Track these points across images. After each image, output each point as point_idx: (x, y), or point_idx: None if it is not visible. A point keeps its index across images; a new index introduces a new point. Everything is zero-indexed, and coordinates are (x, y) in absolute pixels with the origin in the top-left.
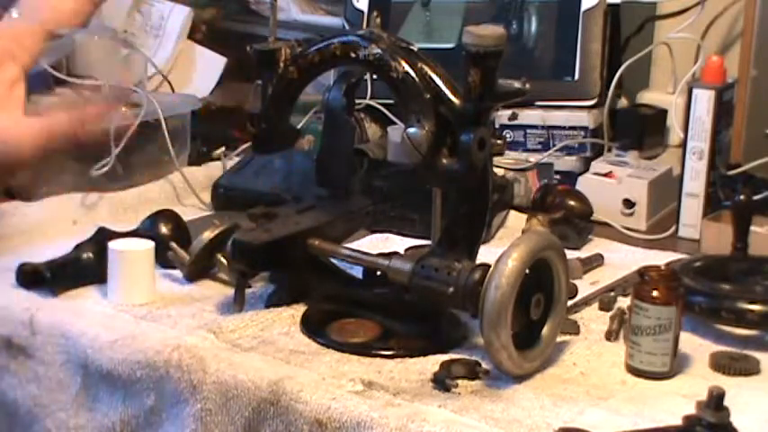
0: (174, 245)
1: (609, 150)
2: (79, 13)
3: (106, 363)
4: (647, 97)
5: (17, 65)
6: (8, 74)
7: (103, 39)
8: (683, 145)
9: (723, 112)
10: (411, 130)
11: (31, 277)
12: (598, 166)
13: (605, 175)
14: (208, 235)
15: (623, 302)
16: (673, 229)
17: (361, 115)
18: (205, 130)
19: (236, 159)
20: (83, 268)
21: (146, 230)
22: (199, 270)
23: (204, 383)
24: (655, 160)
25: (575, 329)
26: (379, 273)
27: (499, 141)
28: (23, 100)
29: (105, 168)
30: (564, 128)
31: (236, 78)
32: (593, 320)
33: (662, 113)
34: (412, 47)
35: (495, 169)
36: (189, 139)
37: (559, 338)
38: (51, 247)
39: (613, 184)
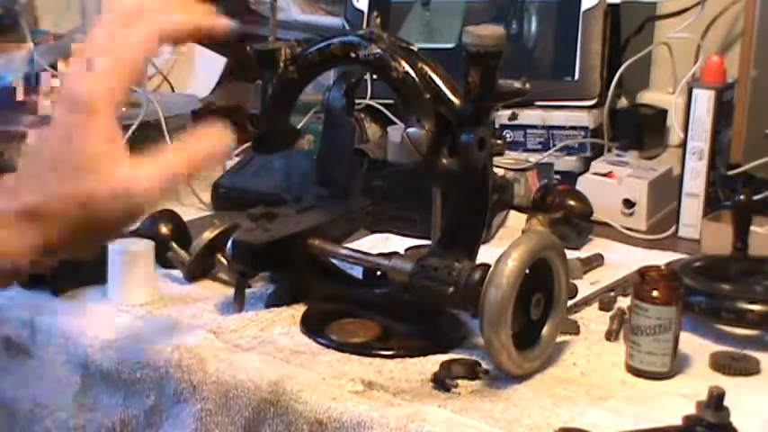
0: (174, 245)
1: (609, 150)
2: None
3: (106, 362)
4: (647, 97)
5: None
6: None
7: None
8: (683, 145)
9: (723, 112)
10: (411, 130)
11: (31, 277)
12: (598, 166)
13: (605, 175)
14: (208, 235)
15: (623, 302)
16: (673, 229)
17: (361, 115)
18: None
19: (236, 159)
20: (83, 268)
21: (146, 230)
22: (199, 270)
23: (204, 383)
24: (655, 160)
25: (575, 329)
26: (379, 273)
27: (499, 141)
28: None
29: None
30: (564, 128)
31: (236, 78)
32: (593, 320)
33: (662, 113)
34: (412, 47)
35: (495, 169)
36: None
37: (559, 338)
38: None
39: (613, 184)
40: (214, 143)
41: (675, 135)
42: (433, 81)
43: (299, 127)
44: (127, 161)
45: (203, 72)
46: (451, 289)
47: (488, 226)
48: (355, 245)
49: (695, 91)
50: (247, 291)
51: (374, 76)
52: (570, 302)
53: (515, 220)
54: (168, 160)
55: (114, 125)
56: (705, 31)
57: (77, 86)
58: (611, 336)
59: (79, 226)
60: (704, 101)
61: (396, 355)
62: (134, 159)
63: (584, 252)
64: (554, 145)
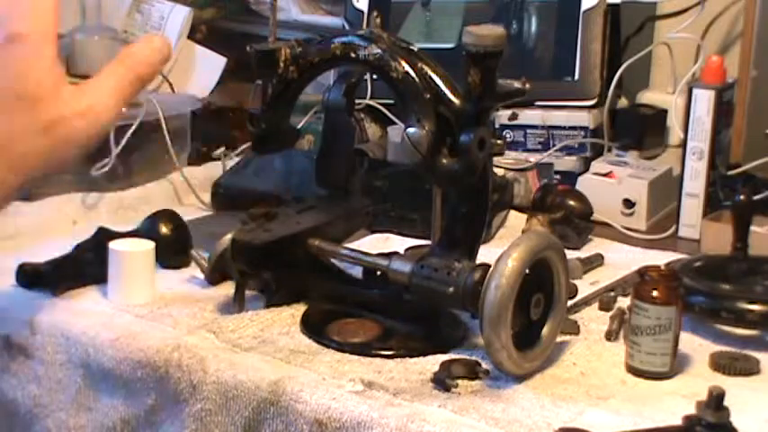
0: (194, 252)
1: (609, 150)
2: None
3: (107, 362)
4: (647, 97)
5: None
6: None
7: (103, 39)
8: (683, 145)
9: (723, 112)
10: (411, 130)
11: (31, 277)
12: (598, 166)
13: (605, 175)
14: (228, 238)
15: (623, 302)
16: (673, 229)
17: (361, 115)
18: (205, 130)
19: (236, 159)
20: (83, 268)
21: (146, 230)
22: (220, 273)
23: (204, 383)
24: (655, 160)
25: (575, 329)
26: (379, 273)
27: (499, 141)
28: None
29: (105, 168)
30: (564, 128)
31: (236, 78)
32: (593, 320)
33: (662, 113)
34: (412, 47)
35: (495, 169)
36: (189, 139)
37: (559, 338)
38: (51, 247)
39: (613, 184)
40: (153, 46)
41: (675, 135)
42: (433, 81)
43: (299, 127)
44: (70, 86)
45: (203, 72)
46: (451, 289)
47: (488, 226)
48: (355, 245)
49: (695, 91)
50: (247, 291)
51: (374, 76)
52: (570, 302)
53: (515, 220)
54: (118, 71)
55: (55, 53)
56: (705, 31)
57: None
58: (611, 336)
59: (46, 154)
60: (704, 101)
61: (396, 355)
62: (83, 83)
63: (584, 252)
64: (554, 145)
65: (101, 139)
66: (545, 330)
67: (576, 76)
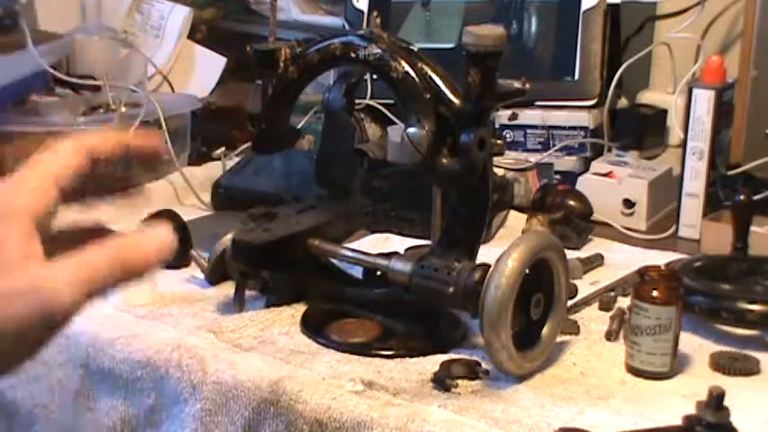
0: (194, 252)
1: (609, 150)
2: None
3: (107, 361)
4: (647, 97)
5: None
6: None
7: (103, 39)
8: (683, 145)
9: (723, 112)
10: (411, 130)
11: None
12: (598, 166)
13: (605, 175)
14: (228, 238)
15: (623, 302)
16: (673, 229)
17: (361, 115)
18: (205, 130)
19: (236, 159)
20: None
21: None
22: (220, 273)
23: (204, 383)
24: (655, 160)
25: (575, 329)
26: (379, 273)
27: (499, 141)
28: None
29: None
30: (564, 128)
31: (236, 78)
32: (593, 320)
33: (662, 113)
34: (412, 47)
35: (495, 169)
36: (189, 139)
37: (559, 338)
38: None
39: (613, 184)
40: (151, 245)
41: (675, 135)
42: (433, 81)
43: (299, 127)
44: (39, 261)
45: (203, 72)
46: (451, 289)
47: (488, 226)
48: (355, 245)
49: (695, 91)
50: (247, 291)
51: (374, 76)
52: (570, 302)
53: (515, 220)
54: (92, 256)
55: (30, 230)
56: (705, 31)
57: None
58: (611, 336)
59: None
60: (704, 101)
61: (396, 355)
62: (52, 260)
63: (584, 252)
64: (554, 145)
65: (55, 328)
66: (545, 330)
67: (576, 76)
